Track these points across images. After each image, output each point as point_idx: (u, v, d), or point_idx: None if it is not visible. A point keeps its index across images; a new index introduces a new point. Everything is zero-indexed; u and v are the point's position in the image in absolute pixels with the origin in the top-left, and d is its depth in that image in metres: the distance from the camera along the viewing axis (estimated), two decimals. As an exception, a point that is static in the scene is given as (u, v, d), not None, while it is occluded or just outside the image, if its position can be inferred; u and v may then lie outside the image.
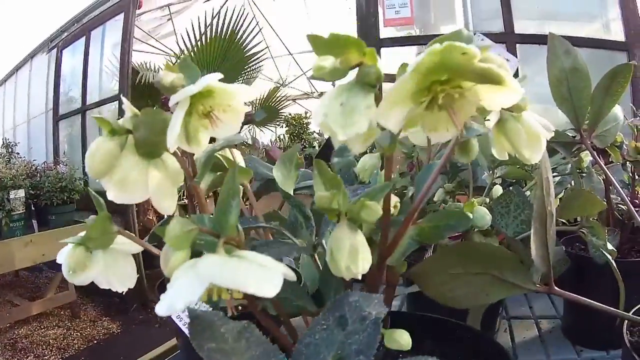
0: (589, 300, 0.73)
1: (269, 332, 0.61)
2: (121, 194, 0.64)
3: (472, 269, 0.68)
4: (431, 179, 0.65)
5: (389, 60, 3.62)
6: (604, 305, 0.74)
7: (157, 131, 0.59)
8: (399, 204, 0.73)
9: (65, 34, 6.96)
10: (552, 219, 0.69)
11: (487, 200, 1.18)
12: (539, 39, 3.49)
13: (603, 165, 1.07)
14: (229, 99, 0.61)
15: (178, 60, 5.16)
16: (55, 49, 7.13)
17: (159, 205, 0.65)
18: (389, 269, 0.73)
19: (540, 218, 0.68)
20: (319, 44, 0.52)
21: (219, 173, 0.78)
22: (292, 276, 0.47)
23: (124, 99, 0.65)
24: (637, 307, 0.92)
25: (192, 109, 0.59)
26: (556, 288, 0.72)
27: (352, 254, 0.55)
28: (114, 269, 0.64)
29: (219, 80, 0.57)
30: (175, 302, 0.41)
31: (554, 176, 1.36)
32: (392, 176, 0.68)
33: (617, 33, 3.61)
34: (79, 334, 4.53)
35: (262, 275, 0.44)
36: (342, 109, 0.51)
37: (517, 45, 3.51)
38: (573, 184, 1.27)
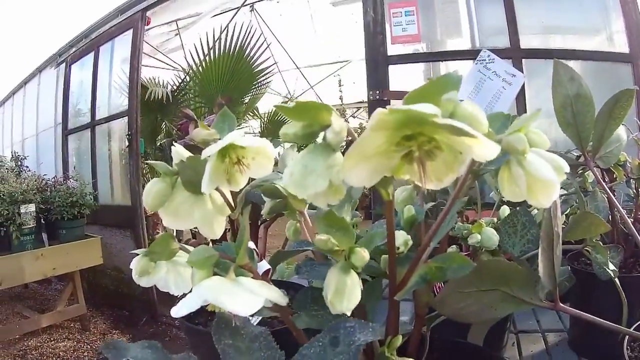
0: (591, 316, 0.76)
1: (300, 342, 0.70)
2: (174, 222, 0.77)
3: (483, 286, 0.71)
4: (436, 224, 0.69)
5: (396, 76, 3.67)
6: (605, 321, 0.77)
7: (199, 174, 0.66)
8: (410, 242, 0.77)
9: (74, 48, 6.98)
10: (558, 240, 0.72)
11: (495, 220, 1.21)
12: (544, 54, 3.50)
13: (605, 185, 1.10)
14: (254, 152, 0.69)
15: (187, 76, 5.22)
16: (64, 63, 7.14)
17: (204, 231, 0.76)
18: (417, 301, 0.78)
19: (548, 239, 0.71)
20: (288, 111, 0.58)
21: (278, 200, 0.85)
22: (282, 301, 0.63)
23: (177, 145, 0.76)
24: (638, 323, 0.95)
25: (224, 158, 0.68)
26: (561, 304, 0.74)
27: (336, 294, 0.62)
28: (174, 277, 0.77)
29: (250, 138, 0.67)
30: (180, 309, 0.55)
31: (560, 195, 1.39)
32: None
33: (620, 45, 3.62)
34: (89, 347, 4.54)
35: (242, 299, 0.57)
36: (304, 170, 0.56)
37: (523, 60, 3.53)
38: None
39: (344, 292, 0.62)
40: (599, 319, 0.76)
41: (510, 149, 0.59)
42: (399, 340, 0.70)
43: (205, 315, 1.44)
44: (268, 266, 0.91)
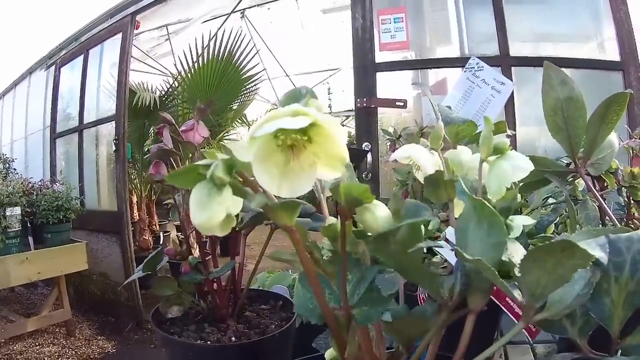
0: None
1: None
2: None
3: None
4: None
5: (384, 84, 3.66)
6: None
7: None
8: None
9: (64, 51, 6.95)
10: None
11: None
12: (534, 62, 3.48)
13: (597, 193, 1.07)
14: None
15: (176, 82, 5.21)
16: (54, 66, 7.12)
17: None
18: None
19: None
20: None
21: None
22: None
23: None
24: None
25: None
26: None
27: None
28: None
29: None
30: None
31: (548, 204, 1.36)
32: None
33: (612, 53, 3.61)
34: (73, 352, 4.51)
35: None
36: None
37: (513, 68, 3.51)
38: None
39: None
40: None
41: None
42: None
43: (180, 325, 1.41)
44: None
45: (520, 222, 0.81)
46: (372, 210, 0.65)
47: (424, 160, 0.88)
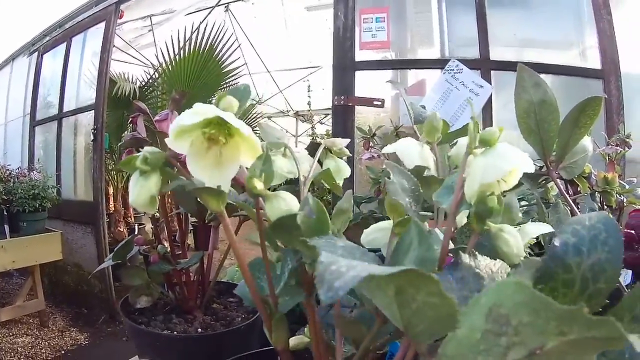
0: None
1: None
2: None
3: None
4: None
5: (364, 82, 3.66)
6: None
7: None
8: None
9: (47, 38, 6.91)
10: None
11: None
12: (514, 66, 3.47)
13: (568, 196, 1.07)
14: None
15: (156, 73, 5.18)
16: (36, 52, 7.08)
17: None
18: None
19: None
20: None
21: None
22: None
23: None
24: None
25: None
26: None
27: None
28: None
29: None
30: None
31: (520, 206, 1.36)
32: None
33: (593, 61, 3.62)
34: (47, 344, 4.49)
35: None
36: None
37: (492, 71, 3.51)
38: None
39: None
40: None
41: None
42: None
43: (148, 315, 1.41)
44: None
45: (517, 236, 0.70)
46: (271, 202, 0.70)
47: (408, 152, 0.87)
